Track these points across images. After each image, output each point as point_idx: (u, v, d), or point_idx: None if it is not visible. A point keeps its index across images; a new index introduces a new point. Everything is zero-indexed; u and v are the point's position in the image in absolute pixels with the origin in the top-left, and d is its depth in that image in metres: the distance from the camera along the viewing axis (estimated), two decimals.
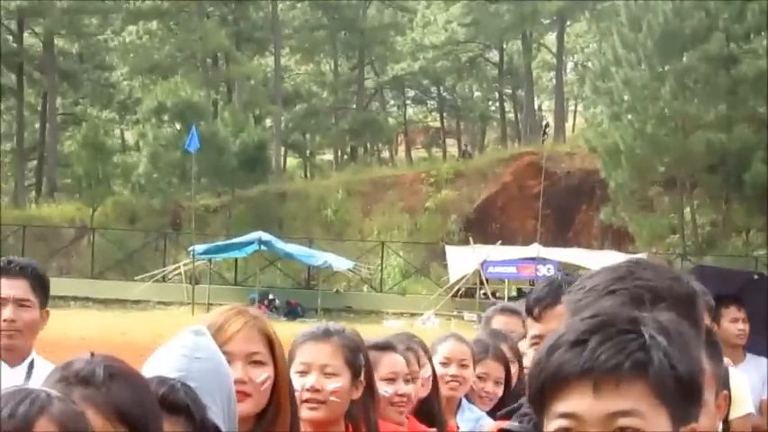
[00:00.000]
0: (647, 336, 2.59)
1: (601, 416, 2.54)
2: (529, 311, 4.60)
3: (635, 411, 2.53)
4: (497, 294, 51.77)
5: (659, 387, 2.55)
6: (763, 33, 58.26)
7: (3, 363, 6.50)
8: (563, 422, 2.58)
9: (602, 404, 2.54)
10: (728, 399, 4.27)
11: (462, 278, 54.33)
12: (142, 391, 3.37)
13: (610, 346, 2.56)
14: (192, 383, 3.83)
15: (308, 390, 5.22)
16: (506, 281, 53.64)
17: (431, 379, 6.99)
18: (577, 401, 2.56)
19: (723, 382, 4.00)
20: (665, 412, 2.57)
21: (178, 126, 69.71)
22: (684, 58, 58.95)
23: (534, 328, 4.40)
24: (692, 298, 3.37)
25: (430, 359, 7.03)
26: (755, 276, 10.58)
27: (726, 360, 8.81)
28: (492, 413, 7.21)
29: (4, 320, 6.67)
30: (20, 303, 6.69)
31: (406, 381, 6.44)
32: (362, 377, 5.62)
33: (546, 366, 2.63)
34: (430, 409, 6.94)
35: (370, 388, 5.87)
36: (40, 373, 5.74)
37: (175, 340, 4.06)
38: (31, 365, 6.60)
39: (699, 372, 2.70)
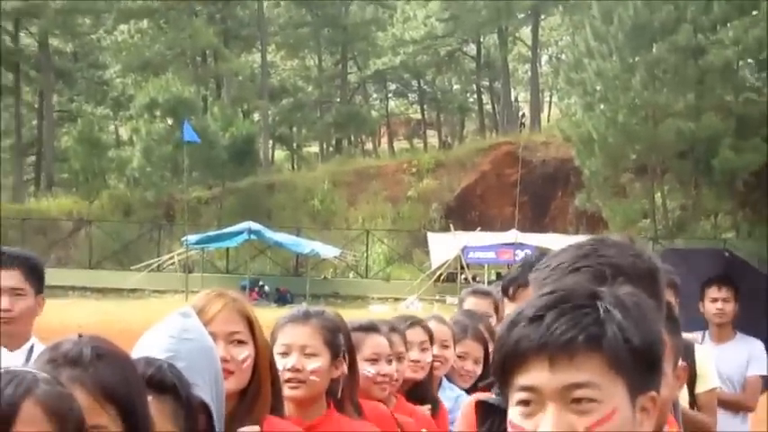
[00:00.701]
0: (602, 310, 2.62)
1: (557, 388, 2.57)
2: (504, 291, 4.63)
3: (590, 383, 2.56)
4: (477, 279, 51.73)
5: (614, 359, 2.58)
6: (729, 25, 58.19)
7: (3, 348, 6.57)
8: (523, 395, 2.62)
9: (558, 377, 2.57)
10: (688, 370, 4.29)
11: (444, 264, 54.26)
12: (128, 370, 3.39)
13: (564, 321, 2.59)
14: (180, 363, 3.86)
15: (289, 370, 5.23)
16: (486, 266, 53.62)
17: (431, 363, 7.03)
18: (535, 375, 2.59)
19: (683, 355, 4.01)
20: (621, 383, 2.60)
21: (170, 121, 69.56)
22: (654, 50, 58.92)
23: (509, 308, 4.43)
24: (653, 274, 3.40)
25: (432, 344, 7.05)
26: (726, 254, 10.54)
27: (692, 336, 8.91)
28: (471, 391, 7.20)
29: (1, 310, 6.74)
30: (15, 292, 6.73)
31: (389, 361, 6.41)
32: (343, 357, 5.63)
33: (506, 342, 2.68)
34: (425, 390, 6.99)
35: (353, 367, 5.89)
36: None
37: (164, 323, 4.09)
38: (31, 350, 6.59)
39: (657, 343, 2.72)
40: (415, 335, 6.87)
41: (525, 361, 2.60)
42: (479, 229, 58.43)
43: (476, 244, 53.86)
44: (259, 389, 4.87)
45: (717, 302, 9.29)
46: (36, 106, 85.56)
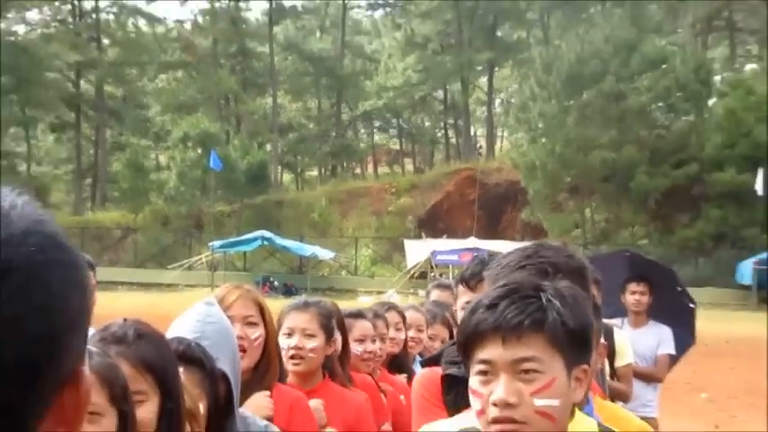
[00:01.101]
0: (545, 299, 2.67)
1: (508, 361, 2.62)
2: (465, 283, 4.66)
3: (534, 357, 2.62)
4: (444, 276, 51.68)
5: (553, 339, 2.63)
6: (643, 76, 58.35)
7: None
8: (481, 366, 2.67)
9: (509, 353, 2.62)
10: (608, 348, 4.33)
11: (417, 264, 54.11)
12: (164, 347, 3.42)
13: (514, 308, 2.64)
14: (205, 342, 3.88)
15: (292, 348, 5.27)
16: (450, 266, 53.42)
17: (405, 340, 7.13)
18: (491, 351, 2.65)
19: (603, 336, 4.02)
20: (559, 357, 2.64)
21: (199, 151, 69.47)
22: (584, 95, 58.89)
23: (467, 296, 4.47)
24: (582, 270, 3.44)
25: (405, 325, 7.12)
26: (627, 253, 10.73)
27: (613, 321, 8.96)
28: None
29: None
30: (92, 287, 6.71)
31: (373, 341, 6.50)
32: (336, 338, 5.67)
33: (468, 324, 2.73)
34: (402, 362, 7.04)
35: (345, 346, 5.98)
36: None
37: (192, 309, 4.11)
38: None
39: (588, 326, 2.77)
40: (391, 317, 6.99)
41: (483, 340, 2.66)
42: (445, 236, 58.46)
43: (442, 249, 53.76)
44: (269, 362, 4.91)
45: (635, 295, 9.37)
46: (93, 138, 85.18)
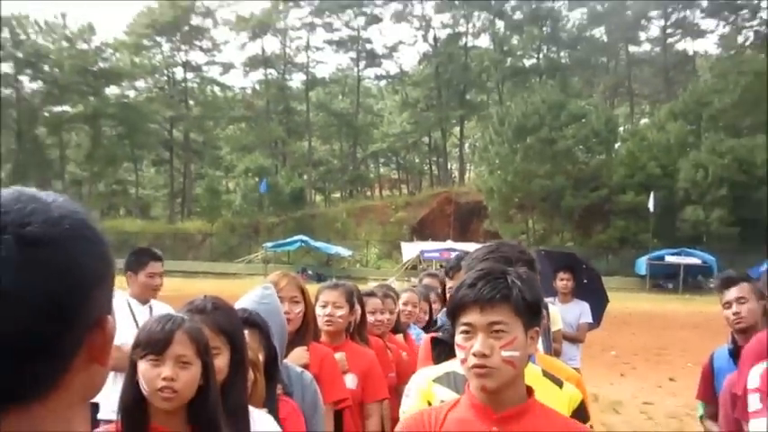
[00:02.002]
0: (510, 280, 2.69)
1: (484, 324, 2.64)
2: (447, 273, 4.71)
3: (502, 321, 2.64)
4: (430, 268, 51.69)
5: (516, 308, 2.66)
6: (569, 126, 58.38)
7: (136, 302, 6.65)
8: (464, 328, 2.69)
9: (485, 318, 2.65)
10: (546, 317, 4.32)
11: (410, 260, 53.97)
12: (233, 315, 3.44)
13: (489, 286, 2.67)
14: (261, 313, 3.93)
15: (325, 316, 5.27)
16: (434, 261, 53.06)
17: (398, 313, 7.13)
18: (471, 316, 2.67)
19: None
20: (520, 322, 2.66)
21: (256, 179, 69.50)
22: (528, 140, 58.97)
23: (450, 283, 4.50)
24: (532, 262, 3.45)
25: (396, 303, 7.14)
26: (542, 251, 10.85)
27: (547, 299, 8.92)
28: (426, 330, 7.33)
29: (157, 285, 6.87)
30: (159, 274, 6.87)
31: (381, 313, 6.59)
32: (357, 310, 5.73)
33: (456, 298, 2.76)
34: (397, 326, 7.05)
35: (363, 317, 6.03)
36: (157, 310, 6.12)
37: (253, 291, 4.18)
38: (151, 307, 6.63)
39: (540, 300, 2.79)
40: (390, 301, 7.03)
41: (466, 308, 2.69)
42: (430, 240, 58.35)
43: (428, 248, 53.61)
44: (307, 328, 4.91)
45: (563, 281, 9.36)
46: (182, 170, 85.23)
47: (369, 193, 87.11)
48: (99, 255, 1.22)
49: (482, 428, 2.67)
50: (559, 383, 3.28)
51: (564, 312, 8.99)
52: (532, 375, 2.94)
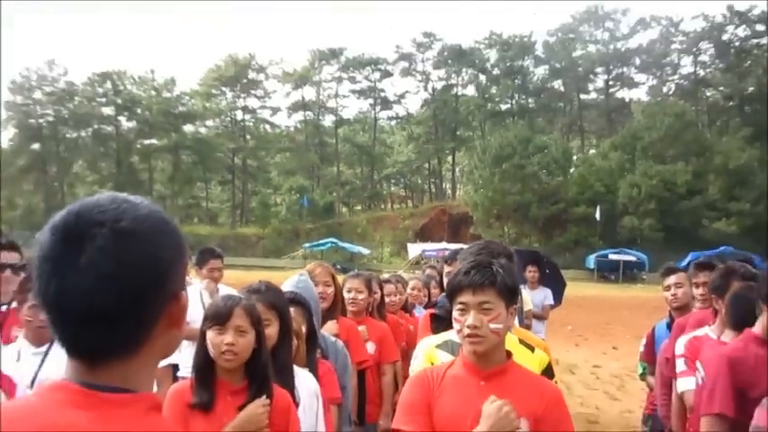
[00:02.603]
0: (495, 269, 2.67)
1: (476, 303, 2.62)
2: (446, 261, 4.69)
3: (490, 301, 2.62)
4: (428, 263, 51.64)
5: (500, 290, 2.63)
6: (535, 155, 58.23)
7: (204, 289, 6.58)
8: (460, 306, 2.66)
9: (476, 298, 2.62)
10: (520, 300, 4.31)
11: (414, 257, 53.86)
12: (281, 294, 3.45)
13: (479, 274, 2.65)
14: (300, 293, 3.94)
15: (350, 298, 5.26)
16: (432, 258, 52.87)
17: (406, 298, 7.08)
18: (465, 297, 2.65)
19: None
20: (503, 301, 2.64)
21: (297, 196, 69.68)
22: (503, 166, 58.79)
23: (447, 268, 4.46)
24: (511, 256, 3.40)
25: (405, 289, 7.09)
26: (515, 250, 10.73)
27: (521, 286, 8.84)
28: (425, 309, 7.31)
29: (218, 276, 6.73)
30: (220, 269, 6.77)
31: (395, 295, 6.60)
32: (376, 292, 5.79)
33: (454, 282, 2.72)
34: (406, 307, 7.01)
35: (382, 299, 6.10)
36: (223, 293, 5.83)
37: (290, 278, 4.20)
38: (218, 290, 6.53)
39: (517, 285, 2.78)
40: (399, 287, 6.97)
41: (461, 291, 2.67)
42: (430, 242, 58.18)
43: (428, 248, 53.43)
44: (337, 306, 4.91)
45: (531, 272, 9.28)
46: (241, 189, 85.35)
47: (383, 207, 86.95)
48: (174, 245, 1.24)
49: (473, 382, 2.64)
50: (531, 349, 3.26)
51: (532, 296, 8.87)
52: (511, 342, 2.91)
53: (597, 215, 52.42)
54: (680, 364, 4.26)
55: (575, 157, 67.79)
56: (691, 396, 4.01)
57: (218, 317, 2.92)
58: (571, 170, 62.90)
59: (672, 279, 5.66)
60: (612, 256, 49.71)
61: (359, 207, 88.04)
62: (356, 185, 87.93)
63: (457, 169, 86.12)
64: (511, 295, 2.67)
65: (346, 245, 59.09)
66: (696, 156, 56.91)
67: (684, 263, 35.97)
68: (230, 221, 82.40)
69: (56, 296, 1.15)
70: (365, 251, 60.09)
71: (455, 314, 2.69)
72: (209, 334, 2.92)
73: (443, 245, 51.90)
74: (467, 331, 2.62)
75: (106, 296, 1.14)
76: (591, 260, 50.76)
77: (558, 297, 9.75)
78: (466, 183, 73.14)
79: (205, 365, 2.92)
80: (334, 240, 58.35)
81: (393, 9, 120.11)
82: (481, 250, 3.38)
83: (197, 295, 6.41)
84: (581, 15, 78.78)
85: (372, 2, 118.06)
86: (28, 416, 1.14)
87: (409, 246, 58.72)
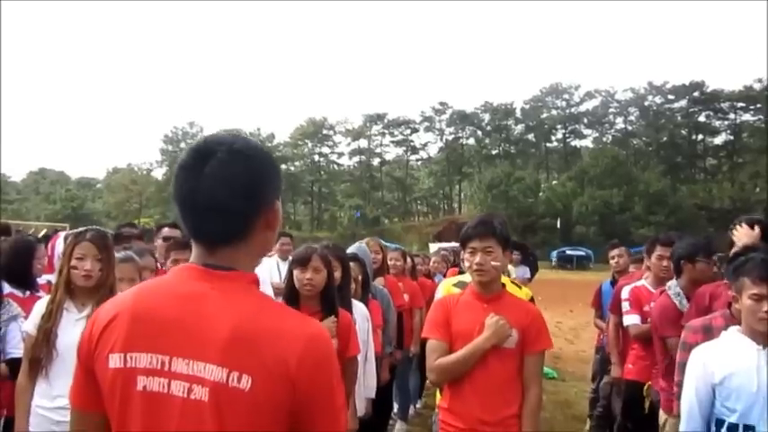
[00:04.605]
0: (495, 224, 2.54)
1: (481, 247, 2.49)
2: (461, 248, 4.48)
3: (492, 245, 2.49)
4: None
5: (499, 239, 2.51)
6: (515, 185, 57.52)
7: (281, 261, 5.99)
8: (470, 250, 2.54)
9: (481, 244, 2.50)
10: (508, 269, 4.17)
11: (433, 252, 53.13)
12: (344, 252, 3.48)
13: (484, 227, 2.53)
14: (359, 254, 3.81)
15: (392, 264, 5.17)
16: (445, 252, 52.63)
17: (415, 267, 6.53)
18: (474, 243, 2.52)
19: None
20: (500, 246, 2.51)
21: (355, 211, 69.81)
22: (494, 192, 58.20)
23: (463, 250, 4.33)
24: (505, 221, 3.18)
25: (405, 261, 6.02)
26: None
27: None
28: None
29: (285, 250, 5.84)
30: (288, 243, 6.17)
31: (397, 260, 5.61)
32: (406, 263, 5.64)
33: (465, 232, 2.61)
34: (428, 274, 6.85)
35: (413, 267, 6.16)
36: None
37: (354, 245, 4.32)
38: (289, 259, 6.04)
39: (509, 235, 2.58)
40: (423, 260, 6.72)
41: (471, 239, 2.54)
42: (444, 242, 57.24)
43: (443, 246, 52.63)
44: (383, 267, 4.95)
45: (516, 255, 9.03)
46: (317, 207, 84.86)
47: (412, 219, 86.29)
48: (272, 166, 1.18)
49: (478, 305, 2.52)
50: (519, 287, 3.16)
51: (516, 271, 8.67)
52: (506, 281, 2.78)
53: (558, 225, 51.70)
54: (625, 306, 4.18)
55: (543, 186, 66.83)
56: (634, 329, 4.07)
57: (301, 259, 2.85)
58: (540, 194, 61.97)
59: (615, 252, 5.74)
60: (569, 252, 49.00)
61: (396, 219, 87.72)
62: (394, 205, 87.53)
63: (462, 195, 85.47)
64: (506, 242, 2.55)
65: (388, 244, 58.49)
66: (626, 184, 55.93)
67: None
68: (310, 228, 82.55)
69: (186, 194, 1.10)
70: (400, 248, 59.63)
71: (466, 255, 2.56)
72: (295, 272, 2.85)
73: (453, 244, 51.26)
74: (475, 267, 2.50)
75: (221, 195, 1.08)
76: (553, 255, 49.93)
77: (532, 275, 9.58)
78: (468, 203, 72.60)
79: (292, 295, 2.86)
80: (380, 241, 58.05)
81: (419, 78, 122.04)
82: (486, 216, 3.26)
83: (274, 263, 6.13)
84: (546, 89, 78.43)
85: (404, 74, 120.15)
86: (163, 286, 1.13)
87: (430, 245, 57.96)
